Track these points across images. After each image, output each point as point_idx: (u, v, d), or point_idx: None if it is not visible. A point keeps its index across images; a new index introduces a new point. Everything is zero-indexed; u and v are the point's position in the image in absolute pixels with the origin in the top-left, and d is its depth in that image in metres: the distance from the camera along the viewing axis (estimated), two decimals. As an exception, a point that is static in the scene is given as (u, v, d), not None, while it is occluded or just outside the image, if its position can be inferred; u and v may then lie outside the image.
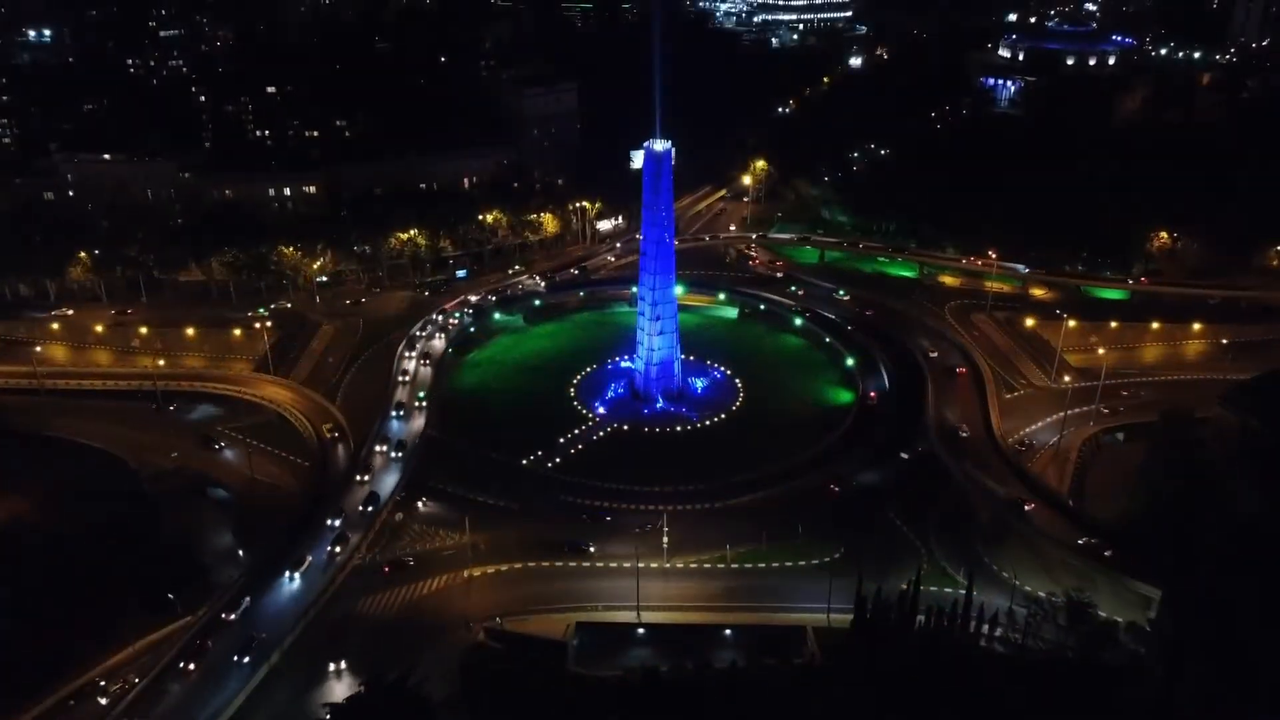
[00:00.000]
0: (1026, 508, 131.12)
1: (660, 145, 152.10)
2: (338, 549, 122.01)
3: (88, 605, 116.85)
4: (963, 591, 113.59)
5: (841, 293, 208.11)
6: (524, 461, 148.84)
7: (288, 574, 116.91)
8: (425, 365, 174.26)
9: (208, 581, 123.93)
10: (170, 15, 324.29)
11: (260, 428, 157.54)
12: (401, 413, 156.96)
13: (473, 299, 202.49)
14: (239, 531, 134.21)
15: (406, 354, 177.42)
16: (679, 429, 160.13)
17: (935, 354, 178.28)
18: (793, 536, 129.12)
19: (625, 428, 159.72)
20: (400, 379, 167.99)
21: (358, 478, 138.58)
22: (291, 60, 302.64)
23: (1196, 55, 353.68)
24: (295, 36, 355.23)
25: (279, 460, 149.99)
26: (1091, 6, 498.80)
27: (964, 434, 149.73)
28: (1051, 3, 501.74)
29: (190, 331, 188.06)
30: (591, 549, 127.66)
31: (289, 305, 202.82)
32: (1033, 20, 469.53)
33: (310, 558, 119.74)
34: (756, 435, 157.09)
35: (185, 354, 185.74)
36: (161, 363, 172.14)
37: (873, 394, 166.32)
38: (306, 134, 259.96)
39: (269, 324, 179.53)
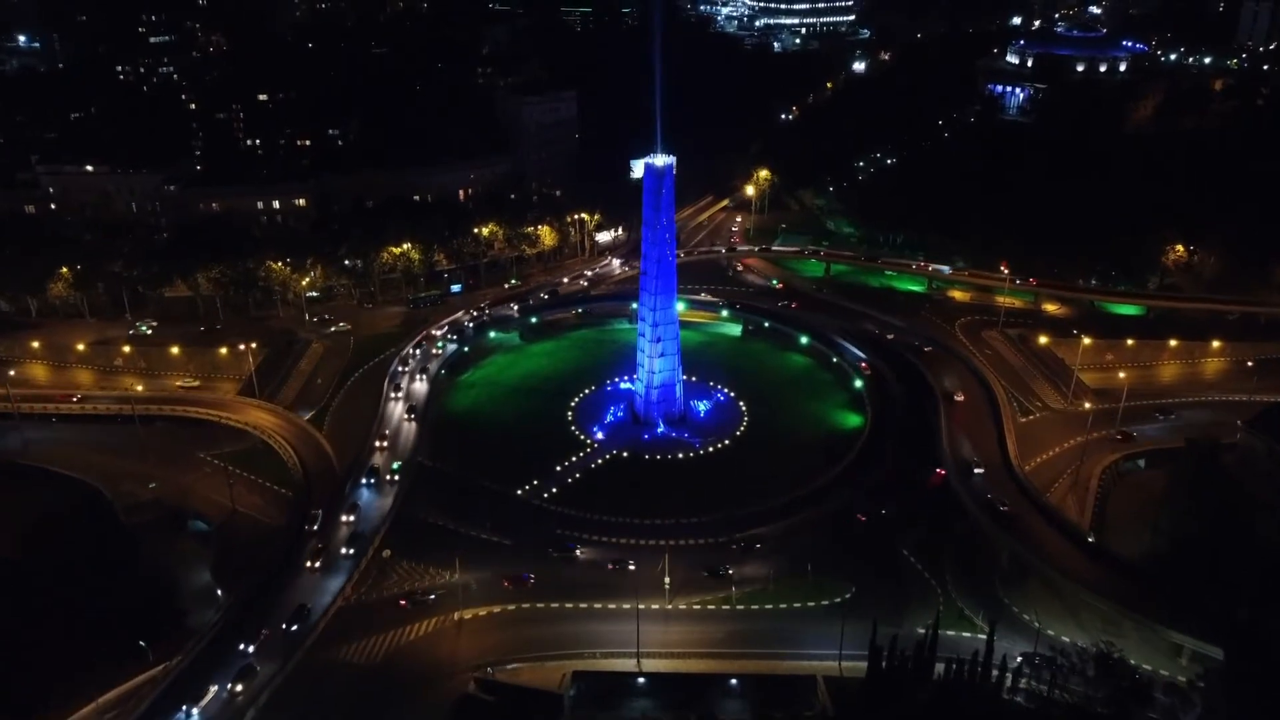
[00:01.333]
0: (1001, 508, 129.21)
1: (661, 161, 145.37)
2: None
3: (53, 651, 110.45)
4: (982, 636, 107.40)
5: (774, 282, 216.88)
6: (519, 491, 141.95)
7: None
8: (410, 420, 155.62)
9: (184, 626, 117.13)
10: (161, 21, 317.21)
11: (243, 455, 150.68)
12: (373, 480, 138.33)
13: (435, 333, 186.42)
14: (218, 569, 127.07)
15: (392, 394, 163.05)
16: (681, 456, 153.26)
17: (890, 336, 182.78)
18: (801, 575, 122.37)
19: (625, 454, 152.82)
20: (377, 444, 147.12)
21: (308, 564, 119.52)
22: (285, 65, 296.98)
23: (1207, 60, 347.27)
24: (290, 40, 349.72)
25: (262, 489, 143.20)
26: (1096, 10, 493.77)
27: (979, 470, 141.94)
28: (1055, 6, 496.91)
29: (175, 350, 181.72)
30: (579, 553, 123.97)
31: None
32: (1036, 24, 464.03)
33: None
34: (761, 463, 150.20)
35: (170, 373, 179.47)
36: (140, 388, 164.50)
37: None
38: (298, 143, 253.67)
39: (253, 345, 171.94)
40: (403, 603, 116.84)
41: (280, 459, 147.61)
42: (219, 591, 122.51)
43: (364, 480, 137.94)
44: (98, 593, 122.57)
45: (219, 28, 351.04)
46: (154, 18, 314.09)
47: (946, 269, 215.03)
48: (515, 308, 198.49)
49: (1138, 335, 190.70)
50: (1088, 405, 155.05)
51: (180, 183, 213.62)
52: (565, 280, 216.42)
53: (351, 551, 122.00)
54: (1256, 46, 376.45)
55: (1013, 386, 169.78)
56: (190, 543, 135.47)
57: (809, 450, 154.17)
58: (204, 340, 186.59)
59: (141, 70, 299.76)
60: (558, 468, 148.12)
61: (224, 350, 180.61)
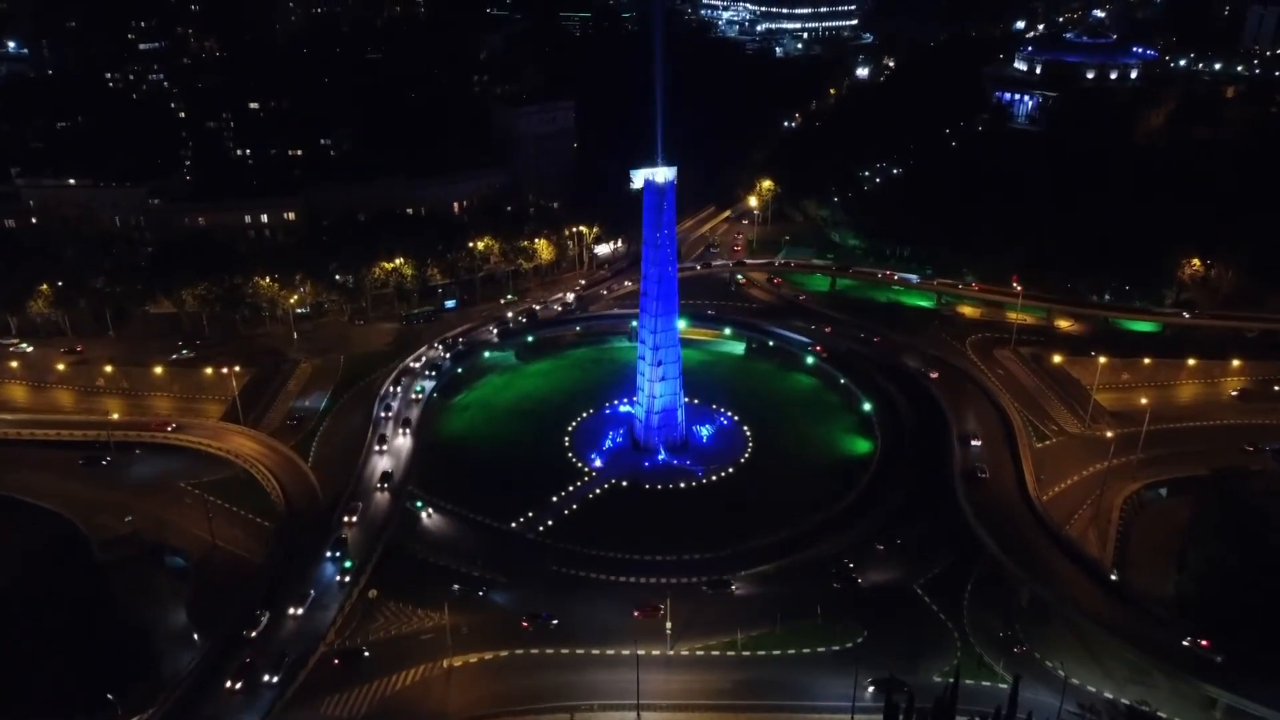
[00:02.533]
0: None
1: (662, 177, 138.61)
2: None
3: (17, 702, 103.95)
4: (1004, 686, 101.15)
5: (740, 277, 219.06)
6: (513, 524, 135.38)
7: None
8: (383, 490, 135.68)
9: (158, 674, 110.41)
10: (151, 27, 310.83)
11: (225, 485, 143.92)
12: (339, 553, 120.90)
13: (414, 364, 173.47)
14: (194, 609, 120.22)
15: (375, 446, 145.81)
16: (683, 485, 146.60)
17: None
18: (810, 617, 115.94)
19: (624, 483, 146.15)
20: (347, 518, 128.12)
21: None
22: (278, 72, 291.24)
23: (1217, 66, 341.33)
24: (284, 45, 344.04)
25: (243, 522, 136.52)
26: (1100, 14, 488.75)
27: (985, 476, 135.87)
28: (1059, 10, 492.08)
29: (158, 370, 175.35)
30: (555, 623, 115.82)
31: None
32: (1040, 28, 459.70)
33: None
34: (766, 493, 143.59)
35: (153, 394, 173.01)
36: (115, 416, 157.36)
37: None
38: (290, 153, 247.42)
39: (236, 369, 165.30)
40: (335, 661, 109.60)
41: (263, 489, 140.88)
42: (195, 635, 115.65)
43: (328, 554, 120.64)
44: (68, 636, 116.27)
45: (212, 33, 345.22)
46: (144, 24, 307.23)
47: (914, 277, 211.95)
48: (494, 330, 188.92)
49: (1155, 354, 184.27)
50: (1109, 434, 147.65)
51: (165, 196, 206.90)
52: (559, 296, 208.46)
53: (276, 680, 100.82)
54: (1263, 50, 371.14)
55: (1027, 409, 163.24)
56: (166, 579, 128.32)
57: (816, 479, 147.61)
58: (188, 359, 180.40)
59: (131, 77, 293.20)
60: (554, 498, 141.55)
61: (209, 371, 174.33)
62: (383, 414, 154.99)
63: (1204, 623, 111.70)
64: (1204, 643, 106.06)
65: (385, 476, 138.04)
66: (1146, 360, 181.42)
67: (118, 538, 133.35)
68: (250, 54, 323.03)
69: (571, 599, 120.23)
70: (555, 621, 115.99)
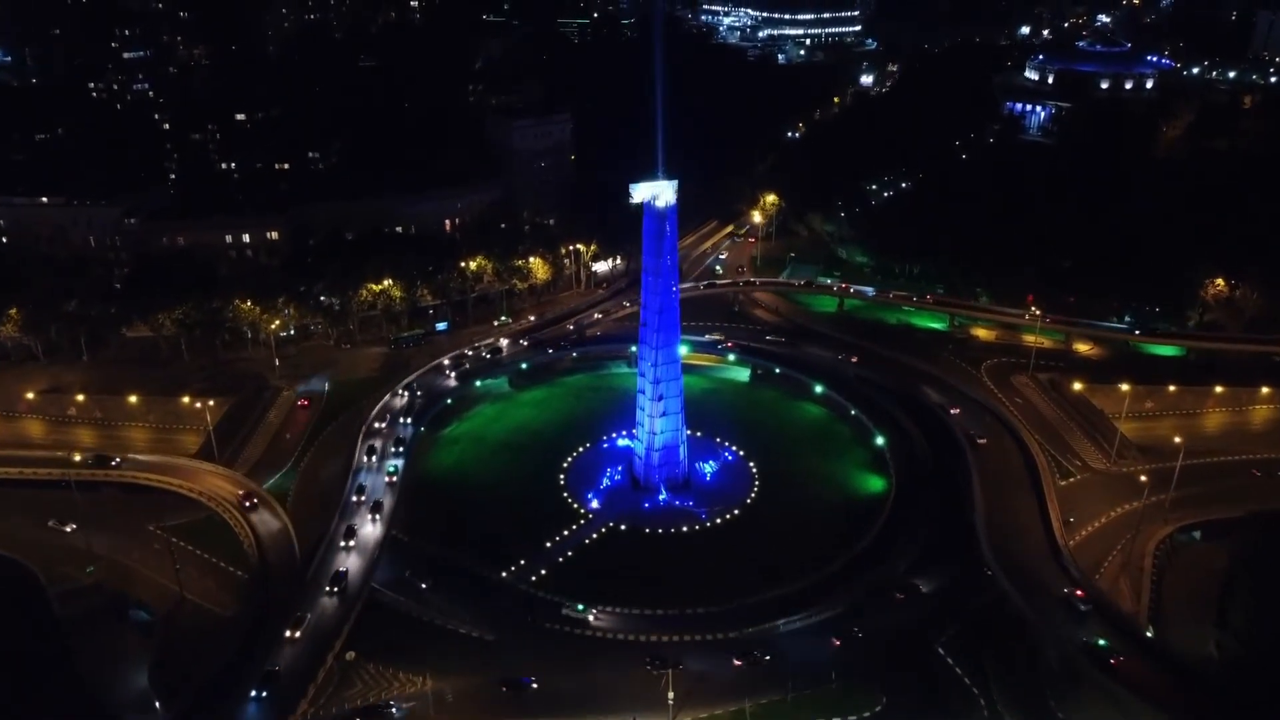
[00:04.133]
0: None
1: (663, 201, 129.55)
2: None
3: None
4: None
5: (719, 272, 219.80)
6: (504, 574, 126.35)
7: None
8: (330, 595, 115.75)
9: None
10: (135, 35, 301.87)
11: (197, 529, 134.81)
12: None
13: (378, 424, 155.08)
14: (158, 672, 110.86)
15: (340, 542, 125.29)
16: (685, 529, 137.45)
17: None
18: (825, 683, 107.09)
19: (623, 527, 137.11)
20: (289, 633, 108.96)
21: None
22: (268, 80, 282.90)
23: (1231, 74, 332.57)
24: (275, 51, 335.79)
25: (215, 572, 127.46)
26: (1105, 18, 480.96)
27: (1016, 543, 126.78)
28: (1064, 16, 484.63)
29: (133, 399, 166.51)
30: (535, 685, 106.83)
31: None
32: (1045, 33, 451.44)
33: None
34: (774, 538, 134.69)
35: (127, 425, 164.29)
36: (78, 458, 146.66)
37: None
38: (276, 166, 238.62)
39: (211, 403, 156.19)
40: None
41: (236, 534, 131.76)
42: (156, 704, 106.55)
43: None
44: (21, 700, 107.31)
45: (202, 40, 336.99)
46: (128, 32, 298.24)
47: (870, 290, 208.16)
48: (451, 373, 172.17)
49: (1179, 380, 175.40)
50: (1143, 478, 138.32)
51: (142, 215, 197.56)
52: (489, 342, 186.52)
53: None
54: (1272, 57, 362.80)
55: (1048, 442, 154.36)
56: (131, 635, 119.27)
57: (827, 523, 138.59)
58: (165, 387, 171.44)
59: (115, 87, 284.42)
60: (548, 543, 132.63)
61: (186, 400, 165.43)
62: (354, 498, 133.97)
63: (1251, 689, 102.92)
64: None
65: (337, 578, 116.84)
66: (1171, 387, 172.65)
67: (79, 588, 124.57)
68: (241, 61, 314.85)
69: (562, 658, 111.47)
70: (535, 685, 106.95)
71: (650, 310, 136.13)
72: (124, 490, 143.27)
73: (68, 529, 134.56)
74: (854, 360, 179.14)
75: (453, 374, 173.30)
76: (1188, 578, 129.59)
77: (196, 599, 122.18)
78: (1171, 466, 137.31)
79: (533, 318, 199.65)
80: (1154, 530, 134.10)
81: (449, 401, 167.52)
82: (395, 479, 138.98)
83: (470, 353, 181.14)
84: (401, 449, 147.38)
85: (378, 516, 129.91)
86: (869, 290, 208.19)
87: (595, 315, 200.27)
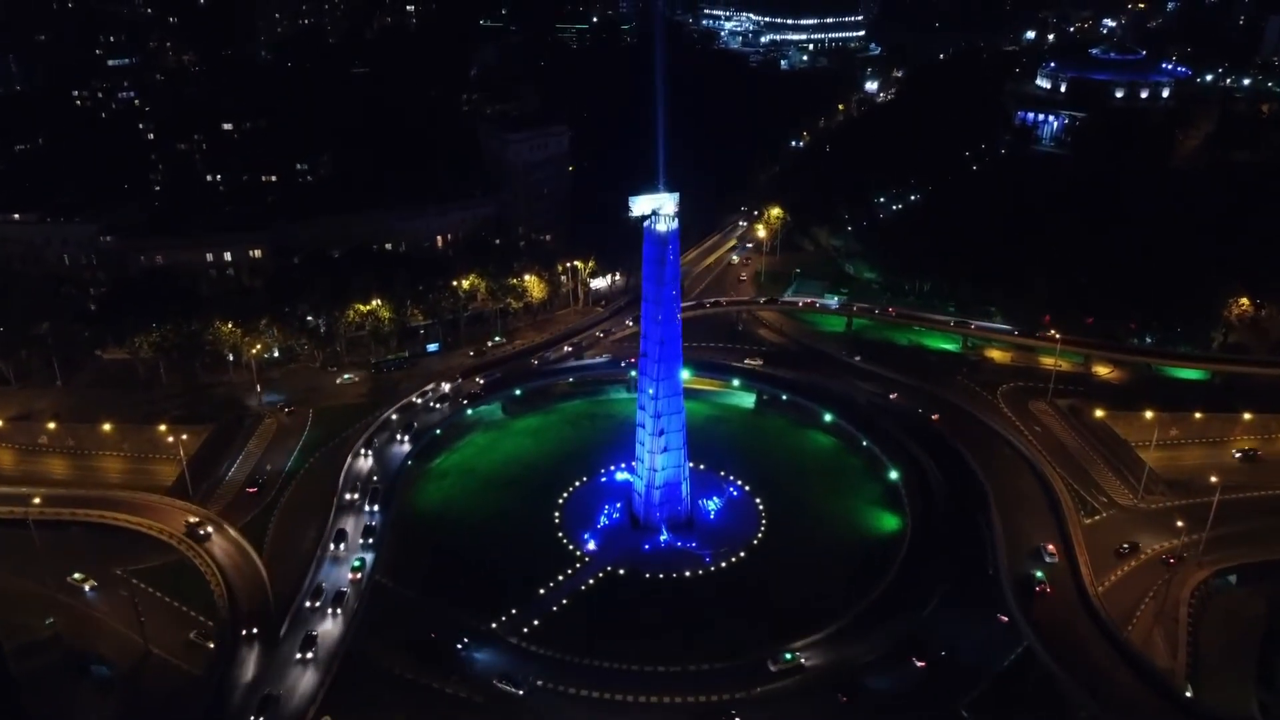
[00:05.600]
0: None
1: (664, 224, 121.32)
2: None
3: None
4: None
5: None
6: (494, 625, 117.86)
7: None
8: (302, 661, 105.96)
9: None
10: (120, 41, 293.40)
11: (167, 572, 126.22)
12: None
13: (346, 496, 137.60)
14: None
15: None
16: (688, 573, 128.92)
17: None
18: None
19: (621, 571, 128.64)
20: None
21: None
22: (258, 87, 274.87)
23: (1246, 82, 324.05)
24: (266, 57, 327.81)
25: (184, 621, 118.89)
26: (1110, 23, 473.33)
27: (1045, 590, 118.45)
28: (1069, 20, 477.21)
29: (107, 427, 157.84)
30: (522, 692, 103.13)
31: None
32: (1051, 38, 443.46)
33: None
34: (782, 584, 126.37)
35: (101, 454, 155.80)
36: (37, 501, 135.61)
37: None
38: (263, 178, 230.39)
39: (183, 437, 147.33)
40: None
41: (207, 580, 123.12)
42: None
43: None
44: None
45: (191, 46, 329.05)
46: (113, 38, 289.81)
47: (833, 302, 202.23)
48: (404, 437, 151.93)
49: (1204, 406, 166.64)
50: (1181, 526, 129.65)
51: (119, 233, 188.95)
52: (430, 387, 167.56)
53: None
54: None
55: (1071, 476, 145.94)
56: (89, 693, 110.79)
57: (838, 565, 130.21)
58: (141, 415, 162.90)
59: (100, 95, 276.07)
60: (542, 590, 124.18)
61: (163, 428, 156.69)
62: (306, 602, 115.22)
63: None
64: None
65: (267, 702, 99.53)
66: (1197, 414, 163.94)
67: (36, 642, 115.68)
68: (231, 67, 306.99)
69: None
70: None
71: (651, 341, 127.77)
72: (90, 530, 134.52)
73: (87, 587, 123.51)
74: (893, 396, 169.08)
75: (406, 439, 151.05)
76: (1225, 628, 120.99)
77: (163, 653, 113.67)
78: (1202, 502, 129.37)
79: (520, 343, 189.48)
80: (1189, 575, 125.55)
81: (438, 432, 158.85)
82: (362, 574, 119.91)
83: (419, 400, 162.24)
84: (371, 540, 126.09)
85: (338, 611, 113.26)
86: (832, 302, 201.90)
87: (597, 334, 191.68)
